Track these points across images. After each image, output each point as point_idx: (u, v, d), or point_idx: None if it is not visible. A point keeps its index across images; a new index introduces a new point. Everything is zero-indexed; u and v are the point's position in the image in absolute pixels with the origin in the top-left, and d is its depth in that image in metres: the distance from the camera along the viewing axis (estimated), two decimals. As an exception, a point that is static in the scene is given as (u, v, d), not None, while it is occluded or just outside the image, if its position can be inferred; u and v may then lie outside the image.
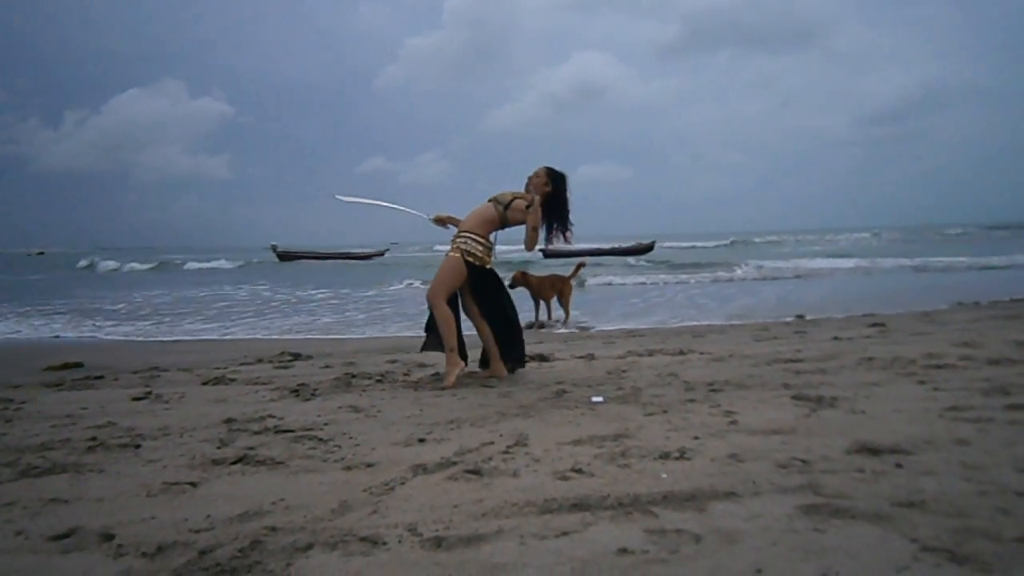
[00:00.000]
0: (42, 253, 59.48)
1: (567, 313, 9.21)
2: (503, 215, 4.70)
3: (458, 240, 4.70)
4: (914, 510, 2.10)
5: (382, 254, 38.76)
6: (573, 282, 9.54)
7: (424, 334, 4.98)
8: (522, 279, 9.06)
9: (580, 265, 9.92)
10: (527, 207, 4.61)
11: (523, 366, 4.97)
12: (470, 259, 4.63)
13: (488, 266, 4.73)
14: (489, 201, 4.78)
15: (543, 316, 9.27)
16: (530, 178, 4.81)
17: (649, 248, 35.26)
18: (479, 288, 4.72)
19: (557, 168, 4.83)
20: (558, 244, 4.93)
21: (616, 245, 35.56)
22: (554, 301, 9.33)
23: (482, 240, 4.69)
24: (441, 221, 5.09)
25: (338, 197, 5.50)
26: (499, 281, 4.85)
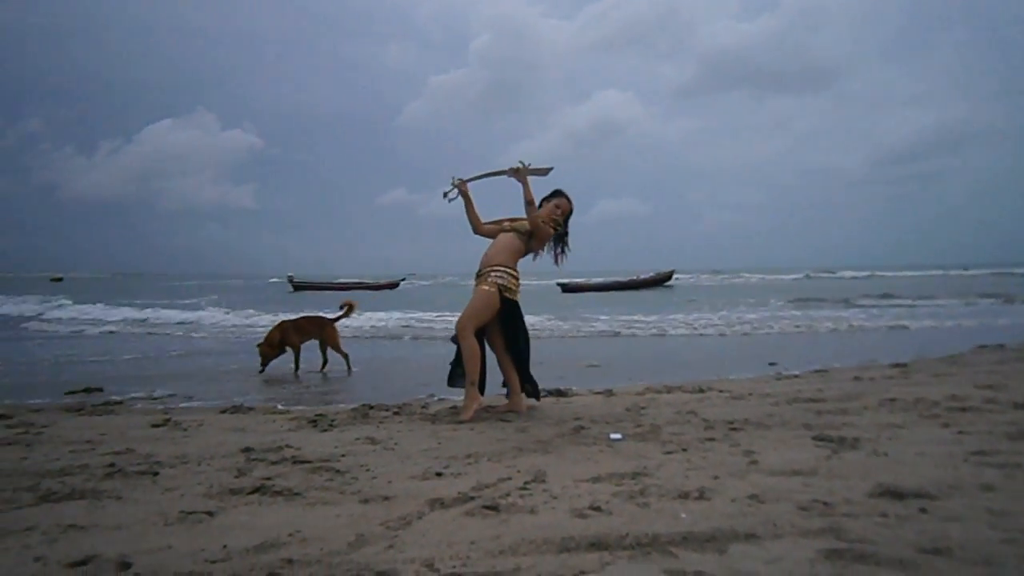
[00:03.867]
0: (60, 279, 59.95)
1: (342, 355, 7.87)
2: (528, 244, 4.86)
3: (493, 275, 4.69)
4: (939, 557, 2.06)
5: (396, 284, 38.93)
6: (340, 323, 8.22)
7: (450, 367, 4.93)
8: (271, 351, 7.64)
9: (348, 305, 8.30)
10: (553, 226, 4.88)
11: (538, 399, 4.97)
12: (507, 294, 4.68)
13: (516, 298, 4.76)
14: (509, 231, 4.86)
15: (339, 363, 7.91)
16: (557, 203, 4.93)
17: (668, 278, 35.43)
18: (507, 320, 4.73)
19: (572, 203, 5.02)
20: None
21: (634, 277, 35.68)
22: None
23: (515, 273, 4.77)
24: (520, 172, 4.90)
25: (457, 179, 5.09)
26: (521, 313, 4.84)
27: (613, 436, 3.86)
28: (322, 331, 7.94)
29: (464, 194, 5.05)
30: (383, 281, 39.51)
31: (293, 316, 8.36)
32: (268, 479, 3.03)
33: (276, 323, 8.06)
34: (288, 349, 7.84)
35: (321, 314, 8.50)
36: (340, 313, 8.23)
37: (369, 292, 34.06)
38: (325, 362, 7.86)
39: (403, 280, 40.56)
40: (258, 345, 7.70)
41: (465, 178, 5.03)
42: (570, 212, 5.00)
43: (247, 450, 3.62)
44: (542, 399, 5.00)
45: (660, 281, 35.01)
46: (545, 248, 4.97)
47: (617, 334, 12.16)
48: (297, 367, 7.71)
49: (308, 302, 21.37)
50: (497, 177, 4.98)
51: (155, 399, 5.91)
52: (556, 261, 5.03)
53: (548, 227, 4.83)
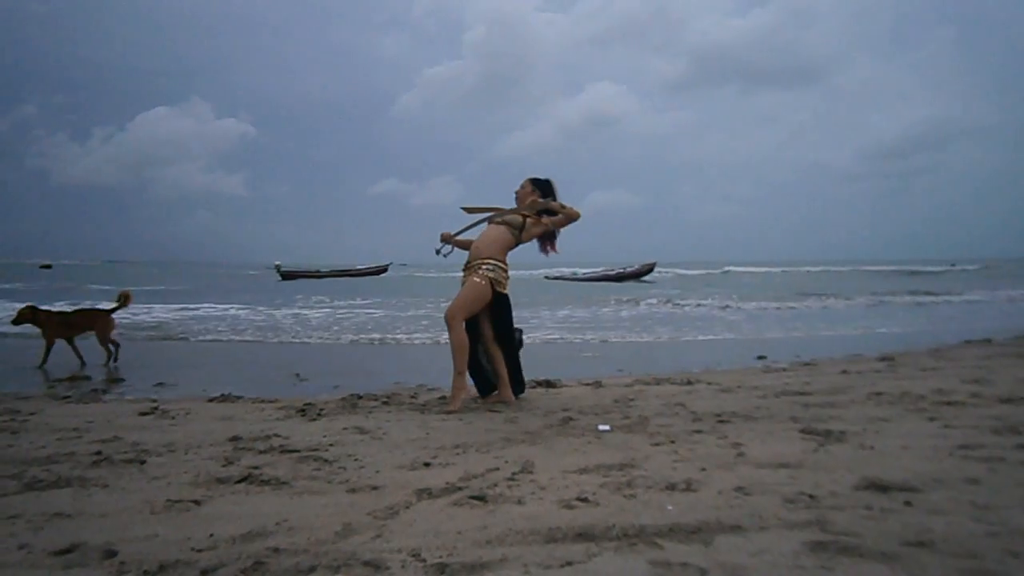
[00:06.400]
0: (49, 266, 59.18)
1: (107, 352, 7.58)
2: (518, 237, 4.85)
3: (484, 268, 4.69)
4: (923, 550, 2.07)
5: (385, 270, 38.99)
6: (116, 315, 7.89)
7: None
8: (30, 315, 7.46)
9: (124, 295, 7.97)
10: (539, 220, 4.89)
11: (523, 391, 5.00)
12: (498, 287, 4.68)
13: (506, 291, 4.76)
14: (500, 224, 4.84)
15: (113, 358, 7.56)
16: (517, 192, 5.02)
17: (649, 270, 35.85)
18: (497, 312, 4.74)
19: (541, 177, 5.03)
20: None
21: (622, 270, 35.95)
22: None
23: (504, 266, 4.77)
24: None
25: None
26: (510, 306, 4.84)
27: (601, 427, 3.87)
28: (94, 323, 7.67)
29: (456, 244, 5.17)
30: (371, 267, 39.50)
31: (70, 308, 8.03)
32: (256, 468, 3.03)
33: (50, 310, 7.82)
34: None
35: (98, 307, 8.22)
36: (116, 304, 8.02)
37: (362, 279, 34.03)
38: (108, 355, 7.57)
39: (389, 264, 40.62)
40: (21, 311, 7.54)
41: (453, 232, 5.16)
42: (546, 186, 4.99)
43: (235, 439, 3.61)
44: (530, 390, 5.00)
45: (643, 273, 35.43)
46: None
47: (604, 329, 12.20)
48: (44, 361, 7.19)
49: (295, 289, 21.27)
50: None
51: None
52: (544, 252, 5.08)
53: (538, 223, 4.86)
